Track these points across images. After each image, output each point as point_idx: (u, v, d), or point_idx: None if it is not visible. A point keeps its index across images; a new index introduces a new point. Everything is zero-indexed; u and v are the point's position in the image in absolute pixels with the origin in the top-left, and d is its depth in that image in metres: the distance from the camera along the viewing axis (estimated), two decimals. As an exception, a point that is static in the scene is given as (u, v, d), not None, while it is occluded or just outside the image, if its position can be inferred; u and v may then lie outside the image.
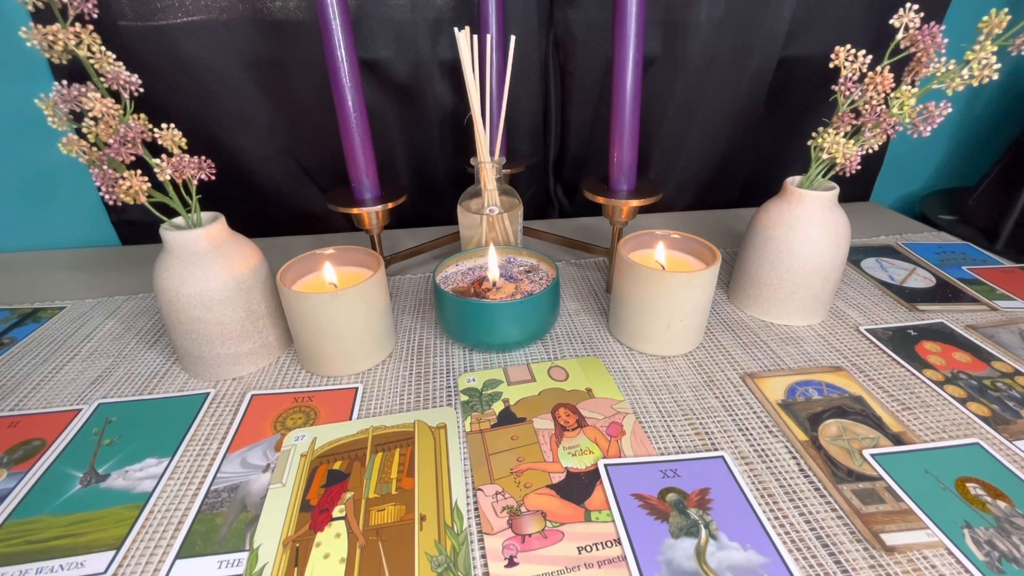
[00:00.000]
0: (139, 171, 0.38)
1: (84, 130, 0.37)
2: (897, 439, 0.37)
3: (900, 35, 0.42)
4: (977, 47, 0.38)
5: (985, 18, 0.38)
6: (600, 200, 0.50)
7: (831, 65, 0.43)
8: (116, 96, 0.38)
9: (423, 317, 0.52)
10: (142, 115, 0.39)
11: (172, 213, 0.42)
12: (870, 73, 0.42)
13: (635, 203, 0.49)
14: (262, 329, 0.44)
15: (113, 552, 0.30)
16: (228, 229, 0.43)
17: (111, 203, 0.38)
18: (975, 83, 0.39)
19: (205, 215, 0.43)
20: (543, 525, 0.31)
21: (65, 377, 0.45)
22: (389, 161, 0.71)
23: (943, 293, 0.55)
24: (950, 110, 0.41)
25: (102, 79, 0.38)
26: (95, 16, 0.37)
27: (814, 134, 0.45)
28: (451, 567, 0.29)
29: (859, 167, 0.43)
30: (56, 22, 0.36)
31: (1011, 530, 0.30)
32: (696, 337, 0.46)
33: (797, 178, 0.48)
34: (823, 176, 0.47)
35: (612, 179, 0.50)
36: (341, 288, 0.41)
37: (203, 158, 0.41)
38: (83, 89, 0.37)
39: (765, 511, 0.32)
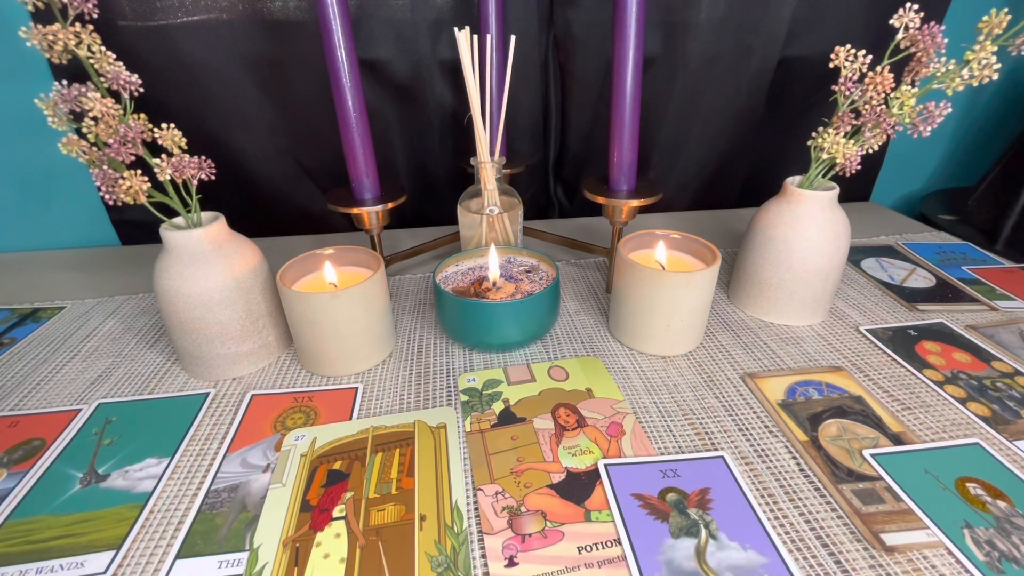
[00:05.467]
0: (139, 171, 0.38)
1: (84, 130, 0.37)
2: (897, 439, 0.37)
3: (900, 35, 0.42)
4: (977, 47, 0.38)
5: (985, 18, 0.38)
6: (600, 200, 0.50)
7: (831, 65, 0.43)
8: (116, 96, 0.38)
9: (423, 317, 0.52)
10: (142, 115, 0.39)
11: (172, 213, 0.42)
12: (870, 73, 0.42)
13: (635, 203, 0.49)
14: (262, 329, 0.44)
15: (113, 552, 0.30)
16: (228, 229, 0.43)
17: (111, 203, 0.38)
18: (975, 83, 0.39)
19: (205, 215, 0.43)
20: (543, 525, 0.31)
21: (65, 377, 0.45)
22: (389, 161, 0.71)
23: (943, 293, 0.55)
24: (950, 110, 0.41)
25: (102, 79, 0.38)
26: (95, 16, 0.37)
27: (814, 134, 0.45)
28: (451, 567, 0.29)
29: (859, 167, 0.43)
30: (56, 22, 0.36)
31: (1011, 530, 0.30)
32: (696, 337, 0.46)
33: (797, 178, 0.48)
34: (823, 176, 0.47)
35: (612, 179, 0.50)
36: (341, 288, 0.41)
37: (203, 158, 0.41)
38: (83, 89, 0.37)
39: (765, 511, 0.32)
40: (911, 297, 0.54)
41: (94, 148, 0.38)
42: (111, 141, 0.37)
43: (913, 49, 0.42)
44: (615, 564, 0.29)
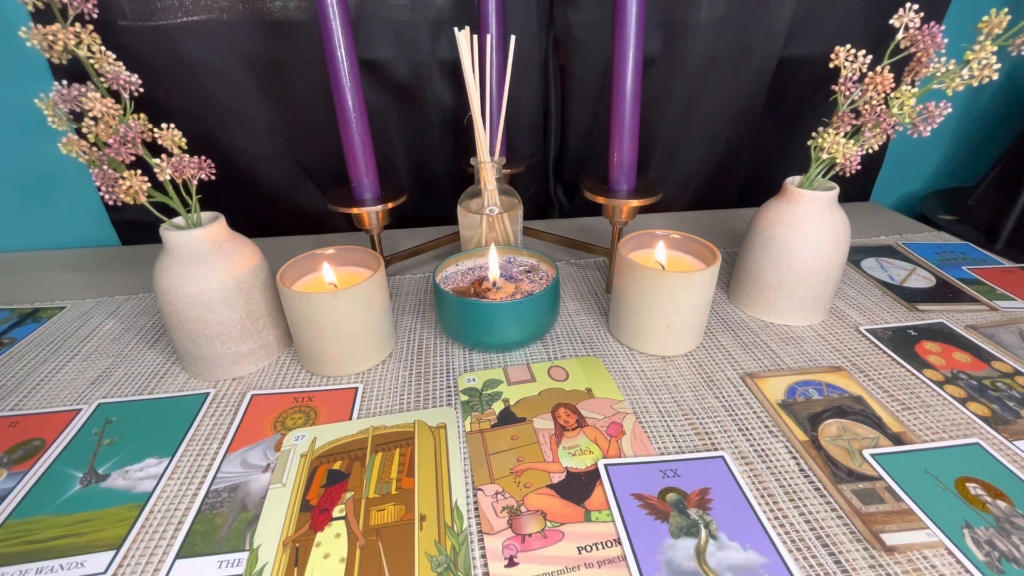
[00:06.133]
0: (139, 171, 0.38)
1: (84, 130, 0.37)
2: (897, 439, 0.37)
3: (900, 35, 0.42)
4: (977, 47, 0.38)
5: (985, 18, 0.38)
6: (600, 200, 0.50)
7: (831, 65, 0.43)
8: (116, 96, 0.38)
9: (423, 317, 0.52)
10: (142, 115, 0.39)
11: (172, 213, 0.42)
12: (870, 73, 0.42)
13: (635, 203, 0.49)
14: (262, 329, 0.44)
15: (113, 552, 0.30)
16: (228, 229, 0.43)
17: (111, 203, 0.38)
18: (975, 83, 0.39)
19: (205, 215, 0.43)
20: (543, 525, 0.31)
21: (65, 377, 0.45)
22: (389, 161, 0.71)
23: (943, 293, 0.55)
24: (950, 110, 0.41)
25: (102, 79, 0.38)
26: (95, 16, 0.37)
27: (814, 134, 0.45)
28: (451, 567, 0.29)
29: (859, 167, 0.43)
30: (56, 22, 0.36)
31: (1011, 530, 0.30)
32: (696, 337, 0.46)
33: (797, 178, 0.48)
34: (823, 176, 0.47)
35: (612, 179, 0.50)
36: (341, 288, 0.41)
37: (203, 158, 0.41)
38: (83, 89, 0.37)
39: (765, 511, 0.32)
40: (911, 297, 0.54)
41: (94, 148, 0.38)
42: (111, 141, 0.37)
43: (913, 49, 0.42)
44: (615, 564, 0.29)
